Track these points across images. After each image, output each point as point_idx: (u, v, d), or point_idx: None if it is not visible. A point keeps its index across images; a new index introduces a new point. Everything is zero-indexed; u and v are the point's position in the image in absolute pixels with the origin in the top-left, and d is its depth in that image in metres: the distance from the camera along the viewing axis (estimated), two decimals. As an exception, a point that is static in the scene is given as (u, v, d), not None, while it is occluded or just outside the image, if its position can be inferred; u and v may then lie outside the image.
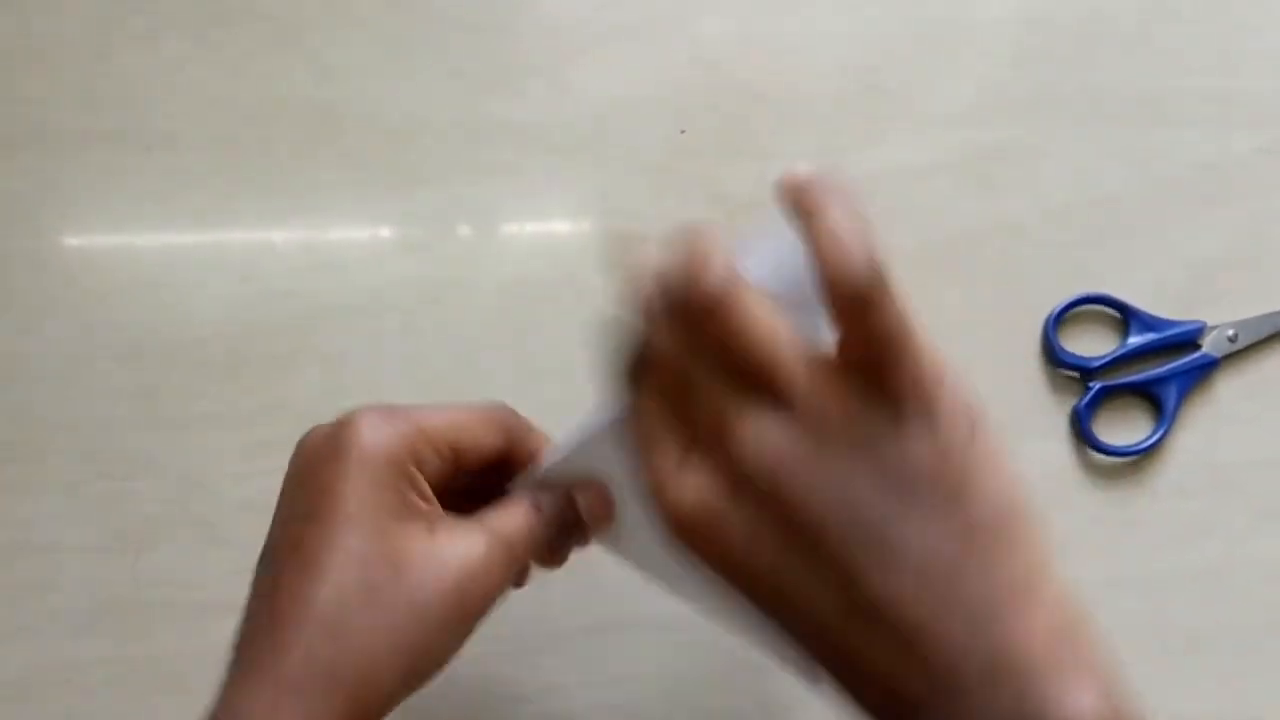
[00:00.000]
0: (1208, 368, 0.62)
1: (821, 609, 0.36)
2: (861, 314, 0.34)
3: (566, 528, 0.46)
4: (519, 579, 0.47)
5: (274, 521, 0.44)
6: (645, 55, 0.65)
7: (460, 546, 0.42)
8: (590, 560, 0.47)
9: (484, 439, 0.45)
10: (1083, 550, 0.60)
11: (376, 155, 0.64)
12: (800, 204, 0.35)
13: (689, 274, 0.36)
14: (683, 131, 0.64)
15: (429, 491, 0.43)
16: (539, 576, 0.48)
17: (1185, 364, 0.62)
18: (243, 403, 0.61)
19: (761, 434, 0.36)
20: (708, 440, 0.37)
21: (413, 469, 0.42)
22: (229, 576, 0.58)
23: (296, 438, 0.59)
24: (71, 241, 0.63)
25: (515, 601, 0.57)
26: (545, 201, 0.63)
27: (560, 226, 0.63)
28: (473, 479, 0.45)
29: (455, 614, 0.42)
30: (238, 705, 0.40)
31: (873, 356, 0.35)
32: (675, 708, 0.59)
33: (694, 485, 0.37)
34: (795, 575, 0.36)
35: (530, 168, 0.64)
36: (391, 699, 0.41)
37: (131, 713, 0.58)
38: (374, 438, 0.42)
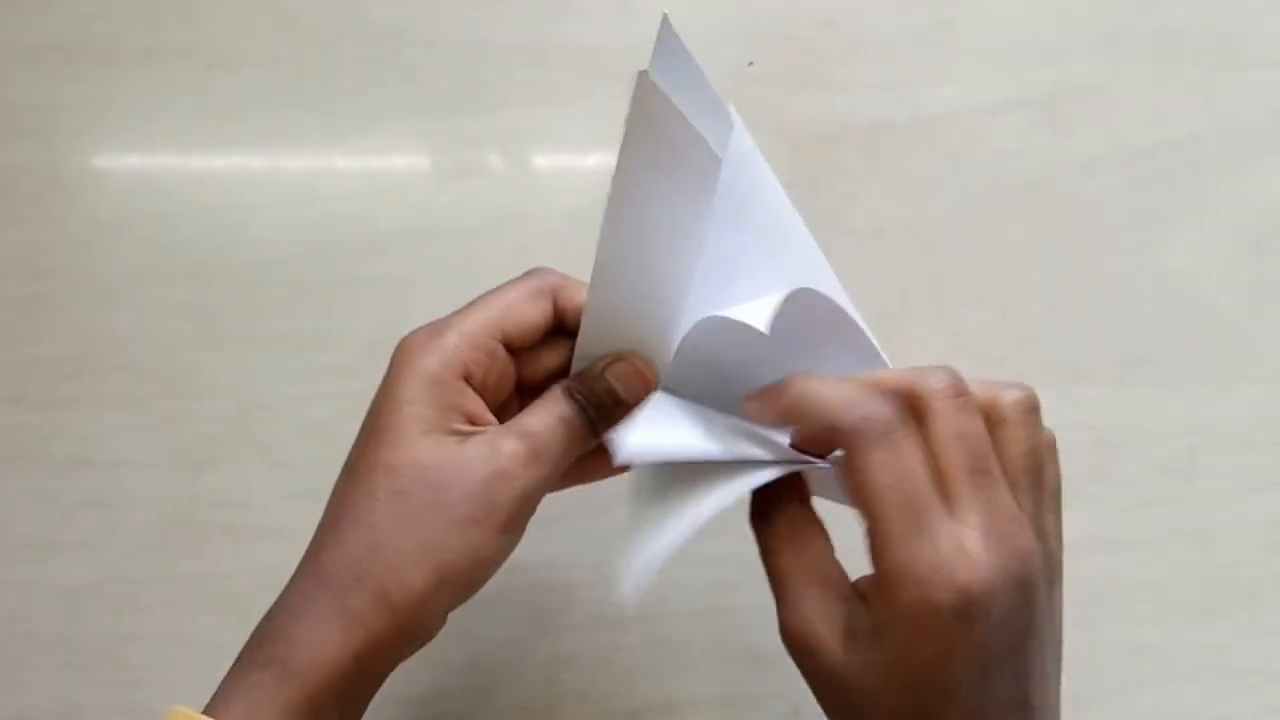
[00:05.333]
0: None
1: None
2: None
3: (604, 410, 0.47)
4: (565, 478, 0.48)
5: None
6: (715, -21, 0.64)
7: (486, 450, 0.44)
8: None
9: (530, 314, 0.47)
10: (1148, 501, 0.60)
11: (440, 78, 0.63)
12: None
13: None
14: (751, 64, 0.63)
15: (476, 403, 0.46)
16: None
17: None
18: (304, 325, 0.61)
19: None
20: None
21: (457, 383, 0.45)
22: (286, 499, 0.59)
23: (356, 362, 0.60)
24: (134, 159, 0.62)
25: (565, 532, 0.58)
26: (610, 128, 0.62)
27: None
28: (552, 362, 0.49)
29: (484, 514, 0.44)
30: (286, 595, 0.45)
31: None
32: (724, 643, 0.59)
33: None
34: None
35: (595, 93, 0.63)
36: (428, 599, 0.43)
37: (184, 631, 0.59)
38: (414, 361, 0.45)
